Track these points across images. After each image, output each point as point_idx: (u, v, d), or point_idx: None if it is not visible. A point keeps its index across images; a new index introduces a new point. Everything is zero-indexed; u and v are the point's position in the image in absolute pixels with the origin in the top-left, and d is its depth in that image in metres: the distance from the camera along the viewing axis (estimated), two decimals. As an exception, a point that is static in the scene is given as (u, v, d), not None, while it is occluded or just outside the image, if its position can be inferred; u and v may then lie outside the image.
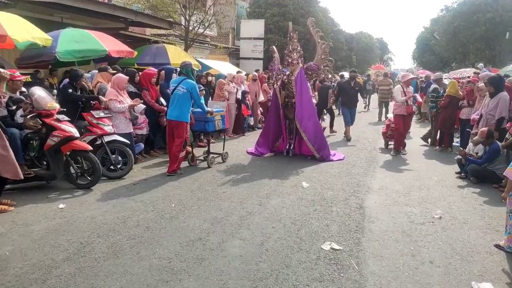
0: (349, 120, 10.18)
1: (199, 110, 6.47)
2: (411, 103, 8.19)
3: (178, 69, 8.70)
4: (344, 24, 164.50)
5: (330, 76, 7.99)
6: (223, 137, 7.86)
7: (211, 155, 7.04)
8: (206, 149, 7.21)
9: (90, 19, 11.71)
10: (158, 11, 15.17)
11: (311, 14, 25.27)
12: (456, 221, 4.50)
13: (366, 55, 48.95)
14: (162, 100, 7.48)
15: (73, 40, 7.82)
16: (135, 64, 11.31)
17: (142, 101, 6.69)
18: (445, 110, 8.13)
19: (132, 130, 6.51)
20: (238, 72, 11.77)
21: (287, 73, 7.76)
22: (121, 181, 5.83)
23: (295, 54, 7.65)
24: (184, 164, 6.68)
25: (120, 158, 6.07)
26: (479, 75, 9.28)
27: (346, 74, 31.23)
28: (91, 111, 5.92)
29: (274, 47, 8.40)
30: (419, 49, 46.41)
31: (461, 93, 8.38)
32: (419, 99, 8.23)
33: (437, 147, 8.78)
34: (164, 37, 16.35)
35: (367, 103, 18.35)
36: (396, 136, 8.28)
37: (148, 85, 7.31)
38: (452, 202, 5.19)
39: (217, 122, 6.83)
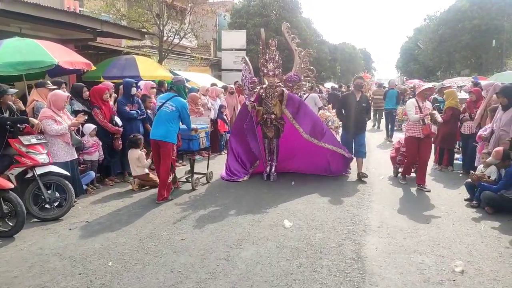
0: (350, 149, 6.96)
1: (183, 127, 5.76)
2: (429, 122, 6.13)
3: (138, 82, 7.71)
4: (328, 35, 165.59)
5: (311, 86, 7.01)
6: (205, 156, 7.18)
7: (195, 176, 6.37)
8: (189, 169, 6.68)
9: (54, 29, 10.51)
10: (132, 21, 14.04)
11: (293, 25, 24.49)
12: (483, 276, 3.40)
13: (350, 66, 48.58)
14: (117, 119, 6.29)
15: (17, 51, 6.56)
16: (101, 78, 10.18)
17: (85, 117, 5.47)
18: (446, 125, 7.07)
19: (75, 157, 5.29)
20: (212, 84, 10.63)
21: (264, 86, 6.69)
22: (56, 224, 4.60)
23: (271, 64, 6.63)
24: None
25: (57, 194, 4.85)
26: (480, 84, 8.32)
27: (329, 86, 30.43)
28: (19, 137, 4.69)
29: (245, 57, 7.36)
30: (403, 58, 46.32)
31: (461, 105, 7.41)
32: (438, 118, 6.14)
33: (437, 166, 7.76)
34: (137, 49, 15.19)
35: (377, 122, 15.39)
36: (407, 162, 6.58)
37: (99, 102, 6.12)
38: (471, 244, 4.10)
39: (201, 140, 6.35)
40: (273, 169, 6.76)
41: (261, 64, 6.77)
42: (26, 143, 4.61)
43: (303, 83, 6.91)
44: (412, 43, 42.14)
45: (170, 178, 5.57)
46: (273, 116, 6.58)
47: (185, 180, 6.57)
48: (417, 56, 37.74)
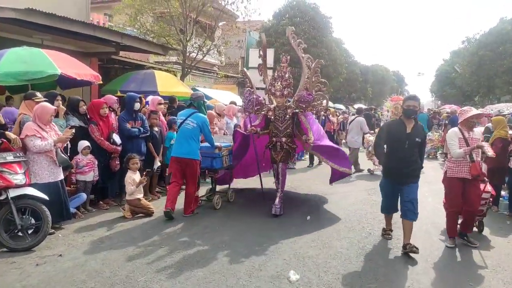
0: (393, 205, 4.75)
1: (206, 144, 5.86)
2: (478, 158, 4.64)
3: (147, 97, 7.18)
4: (359, 56, 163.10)
5: (324, 103, 5.95)
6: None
7: (217, 195, 6.11)
8: (210, 187, 6.53)
9: (76, 42, 10.35)
10: (157, 36, 13.83)
11: (323, 44, 23.81)
12: None
13: (382, 88, 47.11)
14: (115, 137, 5.71)
15: (20, 61, 6.19)
16: (118, 92, 9.82)
17: (73, 131, 4.85)
18: (493, 158, 5.91)
19: (60, 178, 4.68)
20: (231, 102, 10.02)
21: (273, 106, 5.93)
22: (25, 256, 3.96)
23: (279, 83, 5.76)
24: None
25: (32, 221, 4.24)
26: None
27: (360, 106, 29.35)
28: (-6, 154, 4.15)
29: (245, 69, 6.60)
30: (439, 82, 44.41)
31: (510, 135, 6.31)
32: (490, 152, 4.55)
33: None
34: (161, 64, 14.94)
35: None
36: (449, 213, 4.78)
37: (97, 118, 5.58)
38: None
39: (224, 158, 6.10)
40: (277, 200, 5.77)
41: (269, 83, 6.00)
42: (0, 161, 4.05)
43: (316, 103, 5.91)
44: (449, 66, 40.32)
45: (198, 192, 5.76)
46: (283, 140, 5.84)
47: (206, 199, 6.41)
48: (454, 80, 35.95)
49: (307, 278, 3.69)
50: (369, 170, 9.87)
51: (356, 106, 31.80)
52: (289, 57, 6.04)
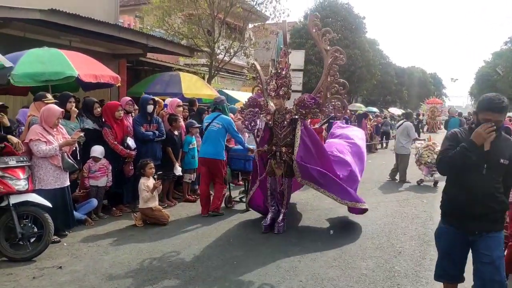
0: (457, 269, 2.83)
1: (239, 147, 6.02)
2: None
3: (156, 99, 6.88)
4: (394, 57, 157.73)
5: (343, 109, 4.95)
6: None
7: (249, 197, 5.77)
8: (242, 189, 6.59)
9: (104, 43, 10.38)
10: (186, 38, 13.70)
11: (356, 45, 22.98)
12: None
13: (418, 91, 45.17)
14: (129, 141, 5.46)
15: (38, 61, 6.12)
16: (143, 93, 9.71)
17: (81, 134, 4.68)
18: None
19: (66, 184, 4.47)
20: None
21: (273, 110, 5.05)
22: (24, 266, 3.74)
23: (273, 81, 4.92)
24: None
25: (35, 229, 4.02)
26: None
27: (396, 111, 28.02)
28: (-4, 158, 3.97)
29: (256, 63, 5.60)
30: (479, 85, 42.00)
31: None
32: None
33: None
34: (188, 66, 14.82)
35: None
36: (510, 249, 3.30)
37: (111, 120, 5.36)
38: None
39: None
40: (281, 217, 5.06)
41: (266, 82, 5.19)
42: (2, 166, 3.86)
43: (320, 109, 4.96)
44: (490, 68, 37.99)
45: (225, 191, 5.85)
46: (283, 150, 4.99)
47: (239, 200, 6.44)
48: (495, 83, 33.77)
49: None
50: (418, 181, 8.81)
51: (391, 109, 30.45)
52: (290, 51, 5.26)
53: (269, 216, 5.15)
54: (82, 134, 4.65)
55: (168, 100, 7.11)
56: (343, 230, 5.28)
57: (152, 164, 5.30)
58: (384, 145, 17.69)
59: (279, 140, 5.06)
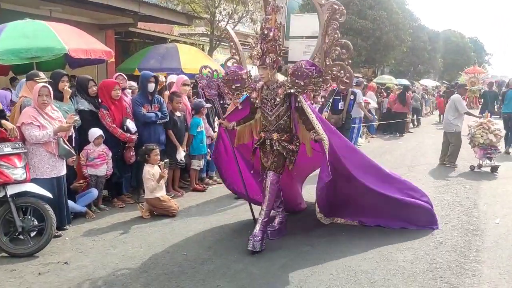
0: None
1: None
2: None
3: (161, 75, 7.08)
4: (427, 19, 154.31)
5: (347, 80, 4.26)
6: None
7: None
8: None
9: (89, 13, 10.53)
10: (181, 3, 13.76)
11: (381, 6, 22.76)
12: None
13: (456, 58, 44.72)
14: (129, 123, 5.68)
15: (22, 35, 6.32)
16: (136, 70, 9.90)
17: (76, 118, 4.89)
18: None
19: (63, 173, 4.73)
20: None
21: (259, 85, 4.58)
22: (27, 262, 4.03)
23: (258, 46, 4.32)
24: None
25: (35, 222, 4.30)
26: None
27: (429, 83, 27.83)
28: (-11, 145, 4.22)
29: (228, 27, 5.45)
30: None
31: None
32: None
33: None
34: (185, 37, 14.91)
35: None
36: None
37: (108, 101, 5.56)
38: None
39: None
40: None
41: (249, 46, 4.63)
42: (-3, 153, 4.11)
43: (327, 77, 4.34)
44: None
45: None
46: (274, 136, 4.51)
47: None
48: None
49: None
50: (472, 166, 8.78)
51: (424, 81, 30.24)
52: (285, 7, 5.08)
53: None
54: (76, 117, 4.85)
55: (170, 77, 7.27)
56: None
57: (158, 151, 5.52)
58: (416, 123, 17.78)
59: (269, 124, 4.55)
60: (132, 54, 12.44)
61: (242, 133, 4.88)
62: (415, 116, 17.55)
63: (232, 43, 4.96)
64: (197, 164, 6.68)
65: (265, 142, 4.60)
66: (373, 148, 11.83)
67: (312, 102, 4.67)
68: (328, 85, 4.43)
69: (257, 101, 4.59)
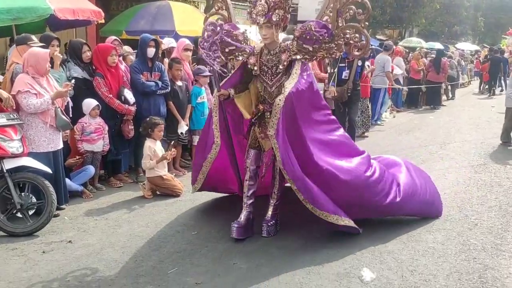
0: None
1: None
2: None
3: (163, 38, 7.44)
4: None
5: (363, 45, 4.47)
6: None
7: None
8: None
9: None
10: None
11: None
12: None
13: (499, 17, 44.70)
14: (127, 93, 6.14)
15: (-1, -6, 6.74)
16: (123, 33, 10.23)
17: (72, 84, 5.27)
18: None
19: (60, 147, 5.21)
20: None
21: (257, 49, 4.65)
22: (28, 241, 4.54)
23: (262, 1, 4.33)
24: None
25: (33, 199, 4.81)
26: None
27: (467, 47, 27.77)
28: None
29: None
30: None
31: None
32: None
33: None
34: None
35: None
36: None
37: (104, 68, 6.01)
38: None
39: None
40: (271, 212, 4.77)
41: (250, 3, 4.57)
42: (-10, 124, 4.58)
43: (340, 42, 4.43)
44: None
45: None
46: (273, 110, 4.41)
47: None
48: None
49: (386, 278, 3.94)
50: None
51: (461, 45, 30.21)
52: None
53: (244, 214, 4.71)
54: (73, 82, 5.28)
55: (166, 39, 7.67)
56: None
57: (163, 126, 6.01)
58: (450, 95, 18.15)
59: (268, 96, 4.60)
60: (113, 13, 12.66)
61: (244, 104, 4.78)
62: (449, 87, 17.89)
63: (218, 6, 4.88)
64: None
65: (265, 116, 4.57)
66: (399, 123, 12.30)
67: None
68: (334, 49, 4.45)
69: (255, 68, 4.60)
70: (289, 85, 4.30)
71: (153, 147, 5.94)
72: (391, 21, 24.96)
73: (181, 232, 4.84)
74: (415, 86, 14.93)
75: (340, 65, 8.56)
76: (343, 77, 8.64)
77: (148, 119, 6.00)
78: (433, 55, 16.47)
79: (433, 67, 15.27)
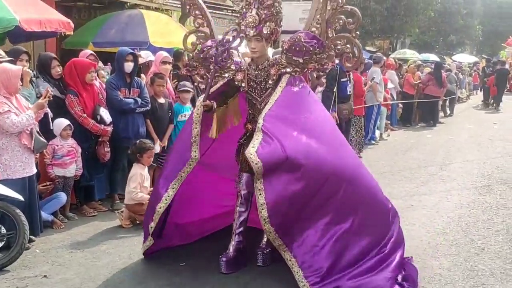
0: None
1: None
2: None
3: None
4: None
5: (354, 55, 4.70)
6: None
7: None
8: None
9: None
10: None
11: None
12: None
13: (498, 25, 45.90)
14: (103, 112, 6.28)
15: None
16: (90, 45, 10.34)
17: (51, 92, 5.48)
18: None
19: (34, 172, 5.31)
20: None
21: (245, 63, 4.88)
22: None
23: (253, 11, 4.52)
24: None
25: (3, 230, 4.87)
26: None
27: (465, 58, 28.28)
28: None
29: None
30: None
31: None
32: None
33: None
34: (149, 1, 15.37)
35: None
36: None
37: (78, 85, 6.15)
38: None
39: None
40: (265, 239, 4.86)
41: (240, 15, 4.79)
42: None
43: (331, 53, 4.66)
44: None
45: None
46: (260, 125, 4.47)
47: None
48: None
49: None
50: None
51: (458, 57, 30.76)
52: None
53: (233, 244, 4.81)
54: (51, 90, 5.41)
55: (143, 52, 7.87)
56: (406, 224, 6.17)
57: (153, 151, 6.19)
58: (449, 111, 18.58)
59: (257, 113, 4.64)
60: (76, 22, 12.77)
61: (223, 119, 4.91)
62: (447, 103, 18.24)
63: (199, 12, 5.02)
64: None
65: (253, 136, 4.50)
66: (395, 142, 12.61)
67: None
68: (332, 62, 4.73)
69: (243, 85, 4.77)
70: (269, 104, 4.48)
71: (143, 173, 6.07)
72: (381, 30, 25.46)
73: (168, 264, 4.97)
74: (412, 101, 15.34)
75: (342, 80, 8.89)
76: (348, 92, 9.03)
77: (138, 142, 6.14)
78: (429, 68, 16.82)
79: (434, 80, 15.61)
